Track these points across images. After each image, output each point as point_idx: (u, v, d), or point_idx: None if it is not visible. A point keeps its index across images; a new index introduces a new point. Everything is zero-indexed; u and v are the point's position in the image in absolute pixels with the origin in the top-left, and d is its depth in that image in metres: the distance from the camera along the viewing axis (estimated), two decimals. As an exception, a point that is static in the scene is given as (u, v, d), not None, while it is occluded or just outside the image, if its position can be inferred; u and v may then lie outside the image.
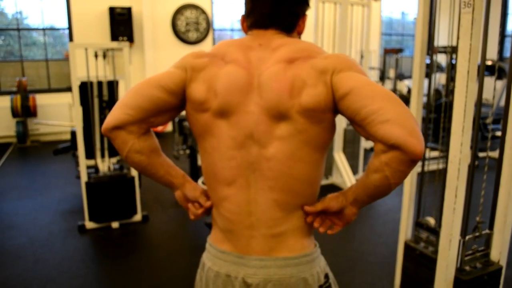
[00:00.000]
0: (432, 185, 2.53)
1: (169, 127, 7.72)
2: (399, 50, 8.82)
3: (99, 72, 3.72)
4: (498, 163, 1.72)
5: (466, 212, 1.64)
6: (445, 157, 5.24)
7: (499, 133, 5.72)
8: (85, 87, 3.66)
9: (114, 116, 1.01)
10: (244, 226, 1.05)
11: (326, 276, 1.09)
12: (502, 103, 6.66)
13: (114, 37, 7.13)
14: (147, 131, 1.06)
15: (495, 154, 1.97)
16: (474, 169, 1.70)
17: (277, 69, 1.00)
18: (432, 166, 4.28)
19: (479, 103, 1.65)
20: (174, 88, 1.04)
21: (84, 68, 3.59)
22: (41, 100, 7.15)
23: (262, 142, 1.00)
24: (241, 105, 1.00)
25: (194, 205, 1.13)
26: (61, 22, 7.66)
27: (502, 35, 9.60)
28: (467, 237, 1.71)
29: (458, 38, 2.17)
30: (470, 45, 1.44)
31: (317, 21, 4.85)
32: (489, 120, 6.44)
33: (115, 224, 3.72)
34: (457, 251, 1.64)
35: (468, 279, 1.67)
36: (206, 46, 8.09)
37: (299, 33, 1.14)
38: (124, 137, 1.03)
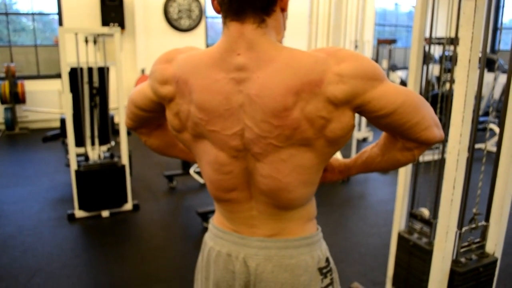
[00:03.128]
0: (426, 176, 2.52)
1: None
2: (392, 41, 8.80)
3: (90, 58, 3.64)
4: (496, 155, 1.71)
5: (463, 204, 1.62)
6: (438, 148, 5.23)
7: (489, 126, 5.72)
8: (75, 74, 3.59)
9: (125, 121, 1.15)
10: (245, 217, 1.03)
11: (327, 260, 1.08)
12: (493, 95, 6.67)
13: (105, 23, 7.02)
14: (160, 127, 1.17)
15: (484, 145, 1.97)
16: (472, 161, 1.68)
17: (276, 104, 0.86)
18: (427, 157, 4.29)
19: (479, 95, 1.63)
20: (149, 108, 1.05)
21: (74, 54, 3.52)
22: (30, 86, 7.03)
23: (259, 158, 0.93)
24: (225, 129, 0.91)
25: None
26: (51, 8, 7.51)
27: (495, 27, 9.61)
28: (463, 229, 1.70)
29: (457, 28, 2.15)
30: (472, 34, 1.41)
31: (312, 11, 4.80)
32: (480, 113, 6.48)
33: (105, 213, 3.67)
34: (454, 242, 1.63)
35: (463, 271, 1.66)
36: (199, 34, 8.00)
37: (283, 10, 0.92)
38: (139, 135, 1.18)
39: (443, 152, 2.19)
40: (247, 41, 0.87)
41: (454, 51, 2.17)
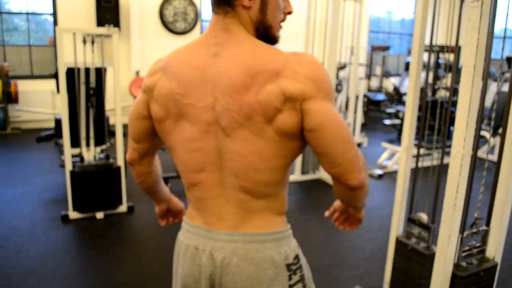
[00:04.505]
0: (424, 182, 2.54)
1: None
2: (386, 48, 8.88)
3: (87, 58, 3.62)
4: (497, 161, 1.73)
5: (465, 209, 1.64)
6: (429, 154, 5.22)
7: (482, 133, 5.78)
8: (71, 74, 3.56)
9: (130, 154, 1.22)
10: (214, 205, 1.06)
11: (297, 257, 1.09)
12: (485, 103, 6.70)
13: (100, 24, 6.98)
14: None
15: (486, 154, 2.00)
16: (474, 167, 1.70)
17: (237, 80, 0.95)
18: (426, 162, 4.32)
19: (482, 101, 1.65)
20: (146, 114, 1.11)
21: (70, 54, 3.49)
22: (23, 86, 6.96)
23: (227, 132, 0.99)
24: (199, 101, 1.00)
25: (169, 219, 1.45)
26: (44, 8, 7.46)
27: (491, 36, 9.73)
28: (465, 233, 1.71)
29: (457, 35, 2.17)
30: (477, 40, 1.42)
31: (309, 17, 4.83)
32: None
33: (99, 215, 3.64)
34: (456, 247, 1.64)
35: (465, 275, 1.67)
36: (194, 37, 7.98)
37: (245, 7, 1.00)
38: (139, 170, 1.26)
39: (442, 157, 2.21)
40: (222, 26, 1.01)
41: (455, 58, 2.20)
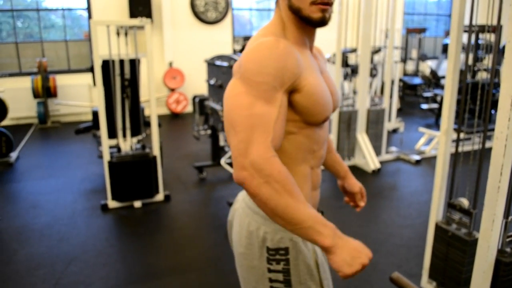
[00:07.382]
0: (465, 166, 2.45)
1: (189, 107, 7.70)
2: (422, 30, 8.60)
3: (121, 50, 3.68)
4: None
5: (509, 192, 1.57)
6: (469, 139, 5.02)
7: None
8: (106, 66, 3.63)
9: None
10: None
11: None
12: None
13: (133, 17, 7.08)
14: None
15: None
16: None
17: None
18: (466, 147, 4.18)
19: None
20: None
21: (105, 46, 3.55)
22: (61, 81, 7.18)
23: None
24: None
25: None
26: (79, 4, 7.63)
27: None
28: (509, 218, 1.64)
29: (499, 12, 2.07)
30: (522, 14, 1.35)
31: (342, 0, 4.72)
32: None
33: (137, 204, 3.72)
34: (499, 232, 1.57)
35: (509, 261, 1.60)
36: (225, 26, 7.99)
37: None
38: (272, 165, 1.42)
39: (484, 141, 2.12)
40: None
41: (496, 38, 2.10)
